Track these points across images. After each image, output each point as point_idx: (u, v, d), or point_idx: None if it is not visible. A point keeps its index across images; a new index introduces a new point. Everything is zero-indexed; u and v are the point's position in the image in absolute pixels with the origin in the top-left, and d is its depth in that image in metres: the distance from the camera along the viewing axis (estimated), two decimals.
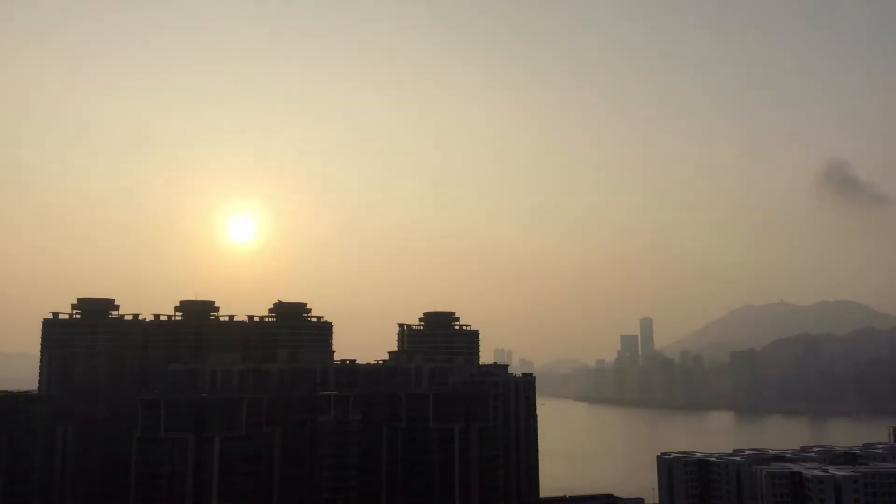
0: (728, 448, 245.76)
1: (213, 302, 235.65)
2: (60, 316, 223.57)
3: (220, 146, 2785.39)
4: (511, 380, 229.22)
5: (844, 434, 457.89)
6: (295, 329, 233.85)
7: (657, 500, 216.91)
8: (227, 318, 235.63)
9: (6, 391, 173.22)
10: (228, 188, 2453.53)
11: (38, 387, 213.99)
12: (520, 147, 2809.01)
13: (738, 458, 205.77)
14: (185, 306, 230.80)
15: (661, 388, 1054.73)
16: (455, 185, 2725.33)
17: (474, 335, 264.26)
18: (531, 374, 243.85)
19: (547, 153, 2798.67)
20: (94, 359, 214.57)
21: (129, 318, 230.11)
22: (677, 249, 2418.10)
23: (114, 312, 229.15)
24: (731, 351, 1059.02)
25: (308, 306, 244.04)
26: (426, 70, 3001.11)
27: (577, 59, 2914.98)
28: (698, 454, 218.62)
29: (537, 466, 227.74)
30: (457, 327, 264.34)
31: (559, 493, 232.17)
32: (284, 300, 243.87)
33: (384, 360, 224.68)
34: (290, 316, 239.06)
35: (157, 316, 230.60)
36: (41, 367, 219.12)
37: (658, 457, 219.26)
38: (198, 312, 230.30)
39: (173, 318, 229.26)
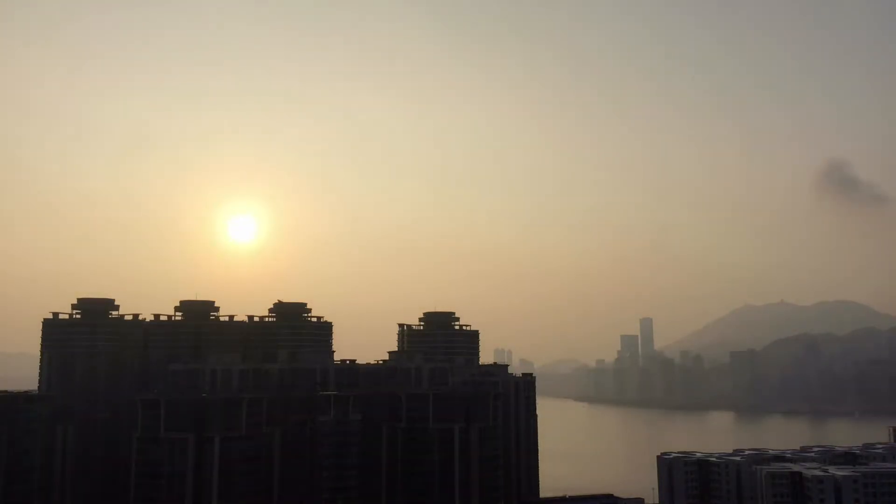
0: (728, 448, 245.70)
1: (213, 302, 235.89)
2: (60, 316, 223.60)
3: (221, 146, 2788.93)
4: (511, 380, 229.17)
5: (844, 434, 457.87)
6: (295, 329, 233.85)
7: (657, 500, 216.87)
8: (227, 318, 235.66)
9: (6, 391, 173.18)
10: (228, 188, 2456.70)
11: (38, 387, 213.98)
12: (520, 147, 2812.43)
13: (738, 458, 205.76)
14: (185, 306, 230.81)
15: (661, 388, 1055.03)
16: (455, 185, 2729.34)
17: (474, 335, 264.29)
18: (531, 374, 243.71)
19: (547, 153, 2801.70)
20: (94, 359, 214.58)
21: (129, 318, 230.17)
22: (677, 249, 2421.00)
23: (114, 312, 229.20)
24: (731, 351, 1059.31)
25: (308, 306, 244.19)
26: (426, 70, 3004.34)
27: (577, 58, 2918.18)
28: (698, 454, 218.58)
29: (537, 466, 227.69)
30: (457, 327, 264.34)
31: (559, 493, 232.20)
32: (284, 300, 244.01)
33: (384, 360, 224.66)
34: (290, 316, 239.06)
35: (157, 316, 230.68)
36: (41, 367, 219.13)
37: (658, 457, 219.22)
38: (198, 312, 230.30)
39: (173, 318, 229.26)
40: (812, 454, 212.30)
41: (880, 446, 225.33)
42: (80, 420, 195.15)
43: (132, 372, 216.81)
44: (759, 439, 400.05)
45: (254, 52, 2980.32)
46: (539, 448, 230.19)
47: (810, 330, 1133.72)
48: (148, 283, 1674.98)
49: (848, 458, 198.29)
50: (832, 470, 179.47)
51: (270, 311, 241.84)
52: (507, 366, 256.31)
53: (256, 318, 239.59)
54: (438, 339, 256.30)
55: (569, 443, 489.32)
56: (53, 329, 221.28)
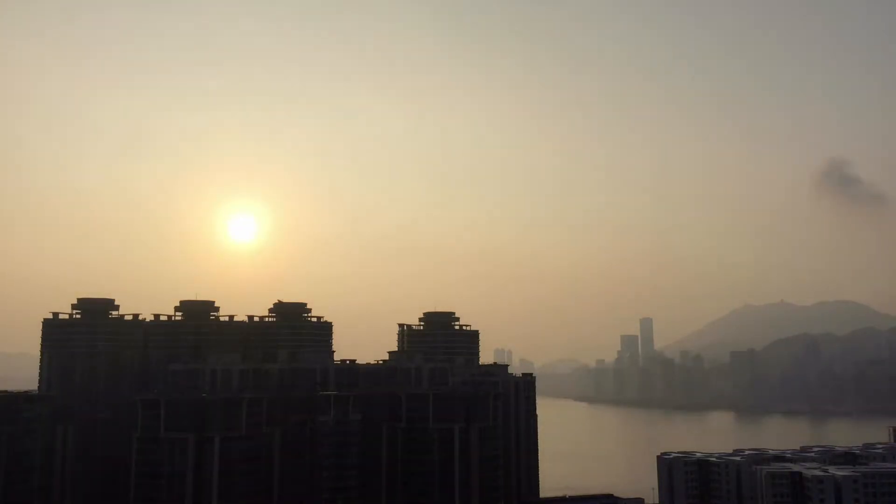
0: (728, 448, 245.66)
1: (213, 302, 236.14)
2: (60, 316, 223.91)
3: (221, 146, 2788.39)
4: (511, 380, 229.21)
5: (844, 434, 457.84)
6: (295, 329, 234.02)
7: (657, 500, 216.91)
8: (227, 318, 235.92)
9: (6, 391, 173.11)
10: (228, 188, 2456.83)
11: (38, 387, 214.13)
12: (520, 147, 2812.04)
13: (738, 458, 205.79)
14: (185, 306, 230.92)
15: (661, 388, 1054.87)
16: (455, 185, 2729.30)
17: (474, 335, 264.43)
18: (531, 374, 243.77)
19: (547, 153, 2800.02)
20: (94, 359, 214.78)
21: (129, 318, 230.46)
22: (677, 249, 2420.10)
23: (114, 312, 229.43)
24: (731, 351, 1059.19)
25: (308, 306, 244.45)
26: (426, 70, 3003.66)
27: (578, 59, 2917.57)
28: (698, 454, 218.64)
29: (537, 466, 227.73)
30: (457, 327, 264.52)
31: (559, 493, 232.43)
32: (284, 300, 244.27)
33: (384, 360, 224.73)
34: (290, 316, 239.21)
35: (157, 316, 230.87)
36: (41, 367, 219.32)
37: (658, 457, 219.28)
38: (198, 312, 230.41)
39: (173, 318, 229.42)
40: (812, 454, 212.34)
41: (880, 446, 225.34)
42: (80, 420, 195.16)
43: (132, 372, 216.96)
44: (759, 439, 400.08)
45: (254, 52, 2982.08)
46: (539, 448, 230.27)
47: (810, 330, 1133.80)
48: (148, 283, 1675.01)
49: (848, 458, 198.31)
50: (832, 470, 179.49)
51: (270, 311, 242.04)
52: (507, 366, 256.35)
53: (256, 318, 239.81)
54: (438, 339, 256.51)
55: (569, 443, 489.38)
56: (53, 329, 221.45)
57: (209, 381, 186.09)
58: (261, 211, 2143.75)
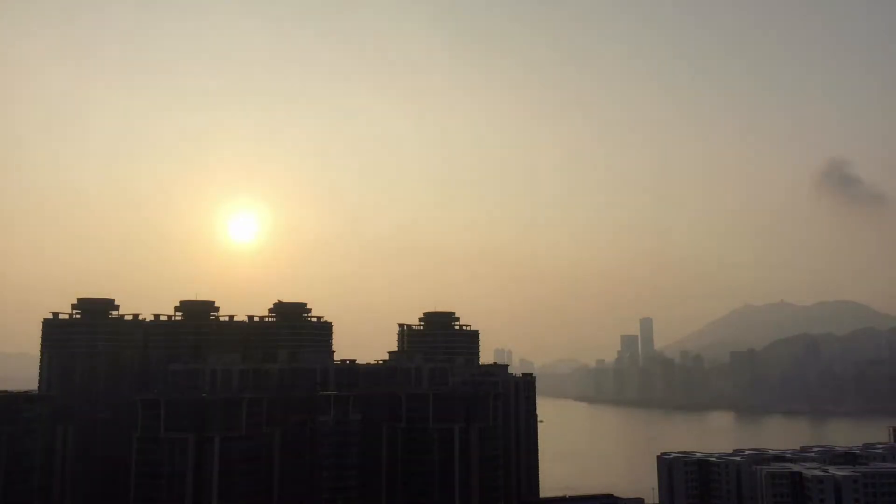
0: (728, 448, 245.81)
1: (213, 302, 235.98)
2: (60, 316, 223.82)
3: (221, 146, 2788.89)
4: (511, 380, 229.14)
5: (844, 434, 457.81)
6: (295, 329, 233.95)
7: (657, 500, 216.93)
8: (227, 318, 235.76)
9: (6, 391, 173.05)
10: (229, 188, 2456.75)
11: (38, 387, 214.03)
12: (520, 147, 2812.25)
13: (738, 458, 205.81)
14: (185, 306, 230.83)
15: (661, 388, 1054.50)
16: (455, 185, 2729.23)
17: (474, 335, 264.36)
18: (531, 374, 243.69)
19: (547, 153, 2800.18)
20: (94, 359, 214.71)
21: (129, 318, 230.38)
22: (677, 249, 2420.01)
23: (114, 312, 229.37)
24: (731, 351, 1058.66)
25: (308, 306, 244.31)
26: (427, 70, 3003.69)
27: (578, 59, 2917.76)
28: (698, 454, 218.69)
29: (537, 466, 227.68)
30: (457, 327, 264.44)
31: (559, 493, 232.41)
32: (284, 300, 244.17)
33: (384, 360, 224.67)
34: (290, 316, 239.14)
35: (157, 316, 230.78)
36: (41, 368, 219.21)
37: (658, 457, 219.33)
38: (198, 312, 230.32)
39: (173, 318, 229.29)
40: (812, 454, 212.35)
41: (880, 446, 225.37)
42: (80, 420, 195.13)
43: (132, 372, 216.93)
44: (759, 439, 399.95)
45: (254, 52, 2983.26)
46: (539, 448, 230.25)
47: (810, 330, 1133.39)
48: (148, 283, 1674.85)
49: (848, 458, 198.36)
50: (832, 470, 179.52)
51: (270, 311, 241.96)
52: (507, 366, 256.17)
53: (256, 318, 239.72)
54: (438, 339, 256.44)
55: (569, 443, 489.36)
56: (53, 329, 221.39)
57: (209, 381, 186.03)
58: (261, 211, 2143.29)
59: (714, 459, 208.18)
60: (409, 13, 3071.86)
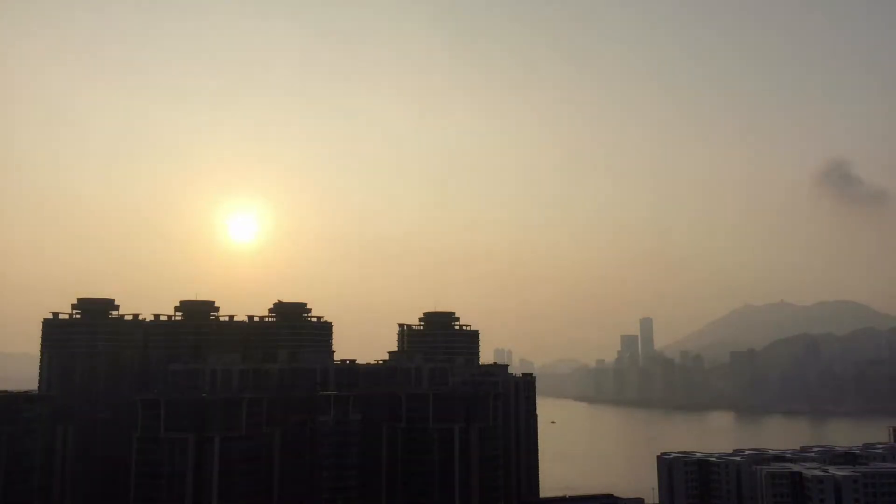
0: (728, 448, 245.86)
1: (213, 302, 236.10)
2: (60, 316, 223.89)
3: (221, 145, 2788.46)
4: (511, 380, 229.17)
5: (844, 434, 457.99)
6: (295, 329, 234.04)
7: (657, 500, 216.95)
8: (227, 318, 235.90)
9: (6, 391, 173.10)
10: (229, 188, 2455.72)
11: (38, 387, 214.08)
12: (521, 147, 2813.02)
13: (738, 458, 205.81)
14: (185, 306, 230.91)
15: (661, 388, 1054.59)
16: (455, 185, 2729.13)
17: (474, 335, 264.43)
18: (531, 374, 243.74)
19: (548, 153, 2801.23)
20: (94, 359, 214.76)
21: (129, 318, 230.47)
22: (677, 249, 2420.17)
23: (114, 312, 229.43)
24: (731, 351, 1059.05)
25: (308, 306, 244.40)
26: (428, 70, 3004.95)
27: (579, 59, 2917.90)
28: (698, 454, 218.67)
29: (537, 466, 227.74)
30: (457, 327, 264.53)
31: (559, 493, 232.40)
32: (284, 300, 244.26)
33: (384, 360, 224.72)
34: (290, 316, 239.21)
35: (157, 316, 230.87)
36: (41, 367, 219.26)
37: (658, 457, 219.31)
38: (198, 312, 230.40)
39: (173, 318, 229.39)
40: (812, 454, 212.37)
41: (880, 446, 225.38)
42: (80, 420, 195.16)
43: (132, 372, 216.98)
44: (759, 439, 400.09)
45: (254, 51, 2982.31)
46: (539, 448, 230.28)
47: (810, 330, 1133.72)
48: (148, 283, 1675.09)
49: (848, 458, 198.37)
50: (832, 470, 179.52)
51: (270, 311, 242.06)
52: (507, 366, 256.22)
53: (256, 318, 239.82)
54: (438, 339, 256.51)
55: (569, 443, 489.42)
56: (53, 329, 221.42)
57: (209, 381, 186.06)
58: (261, 211, 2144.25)
59: (714, 459, 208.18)
60: (409, 13, 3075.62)
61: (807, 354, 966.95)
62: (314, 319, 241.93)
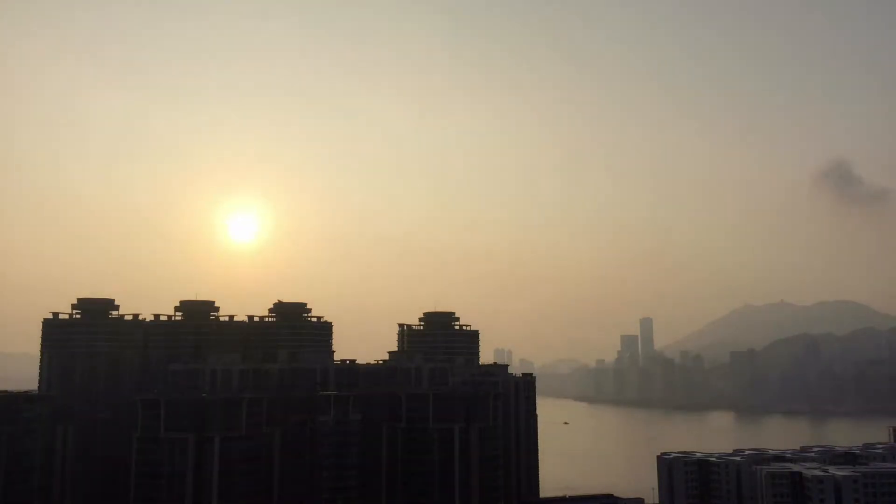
0: (728, 448, 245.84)
1: (213, 302, 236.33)
2: (60, 316, 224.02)
3: (221, 145, 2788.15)
4: (511, 380, 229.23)
5: (844, 434, 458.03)
6: (295, 329, 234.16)
7: (657, 500, 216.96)
8: (227, 318, 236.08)
9: (6, 391, 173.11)
10: (228, 187, 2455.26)
11: (38, 387, 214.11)
12: (520, 147, 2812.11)
13: (738, 458, 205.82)
14: (185, 306, 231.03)
15: (661, 388, 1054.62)
16: (455, 185, 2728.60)
17: (474, 335, 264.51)
18: (531, 374, 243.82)
19: (548, 154, 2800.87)
20: (94, 359, 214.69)
21: (129, 318, 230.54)
22: (677, 249, 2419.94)
23: (114, 312, 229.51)
24: (731, 351, 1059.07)
25: (308, 306, 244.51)
26: (428, 70, 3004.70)
27: (578, 59, 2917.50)
28: (698, 454, 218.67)
29: (537, 466, 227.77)
30: (457, 327, 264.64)
31: (559, 493, 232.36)
32: (284, 300, 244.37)
33: (384, 360, 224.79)
34: (290, 316, 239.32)
35: (157, 316, 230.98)
36: (41, 368, 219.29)
37: (658, 457, 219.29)
38: (198, 312, 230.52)
39: (173, 318, 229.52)
40: (812, 454, 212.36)
41: (880, 446, 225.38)
42: (80, 420, 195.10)
43: (132, 372, 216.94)
44: (759, 439, 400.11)
45: (254, 51, 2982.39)
46: (539, 448, 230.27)
47: (810, 330, 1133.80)
48: (148, 283, 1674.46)
49: (848, 458, 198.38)
50: (832, 470, 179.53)
51: (270, 311, 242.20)
52: (507, 366, 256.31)
53: (256, 318, 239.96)
54: (438, 339, 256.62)
55: (569, 443, 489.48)
56: (53, 329, 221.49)
57: (209, 381, 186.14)
58: (261, 210, 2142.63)
59: (714, 459, 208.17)
60: (409, 13, 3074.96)
61: (807, 354, 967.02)
62: (314, 319, 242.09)
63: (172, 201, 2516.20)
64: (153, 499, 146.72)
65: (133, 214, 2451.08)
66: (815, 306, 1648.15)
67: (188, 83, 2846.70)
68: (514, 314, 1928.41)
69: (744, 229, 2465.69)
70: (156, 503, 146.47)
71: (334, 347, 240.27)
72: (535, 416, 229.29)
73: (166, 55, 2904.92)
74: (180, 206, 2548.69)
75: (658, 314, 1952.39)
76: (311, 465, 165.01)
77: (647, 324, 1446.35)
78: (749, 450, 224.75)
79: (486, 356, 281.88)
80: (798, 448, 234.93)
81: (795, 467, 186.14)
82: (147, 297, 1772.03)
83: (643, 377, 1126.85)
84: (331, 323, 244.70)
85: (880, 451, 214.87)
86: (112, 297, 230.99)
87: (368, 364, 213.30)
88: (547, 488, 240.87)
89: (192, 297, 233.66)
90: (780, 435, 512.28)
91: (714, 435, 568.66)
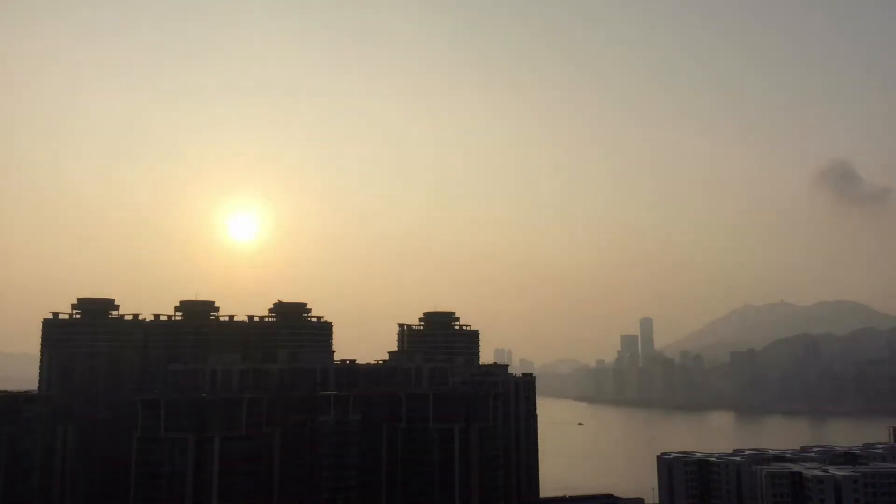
0: (728, 448, 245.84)
1: (213, 302, 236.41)
2: (60, 316, 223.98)
3: (221, 145, 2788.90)
4: (511, 380, 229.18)
5: (844, 434, 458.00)
6: (295, 329, 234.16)
7: (657, 500, 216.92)
8: (227, 318, 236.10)
9: (6, 391, 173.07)
10: (228, 187, 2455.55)
11: (38, 387, 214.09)
12: (520, 147, 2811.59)
13: (738, 458, 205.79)
14: (185, 306, 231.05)
15: (661, 388, 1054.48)
16: (455, 185, 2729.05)
17: (474, 335, 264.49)
18: (531, 374, 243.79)
19: (548, 154, 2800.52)
20: (94, 359, 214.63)
21: (129, 318, 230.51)
22: (677, 249, 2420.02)
23: (114, 312, 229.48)
24: (731, 351, 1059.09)
25: (308, 306, 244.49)
26: (427, 69, 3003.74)
27: (580, 59, 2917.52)
28: (698, 454, 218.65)
29: (537, 466, 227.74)
30: (457, 327, 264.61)
31: (559, 493, 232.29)
32: (284, 300, 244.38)
33: (384, 360, 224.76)
34: (290, 316, 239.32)
35: (157, 316, 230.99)
36: (41, 368, 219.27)
37: (658, 457, 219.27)
38: (198, 312, 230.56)
39: (173, 318, 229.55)
40: (812, 454, 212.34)
41: (880, 446, 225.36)
42: (80, 420, 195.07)
43: (132, 372, 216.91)
44: (759, 439, 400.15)
45: (254, 50, 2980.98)
46: (539, 448, 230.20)
47: (810, 330, 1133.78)
48: (148, 283, 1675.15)
49: (848, 458, 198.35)
50: (832, 470, 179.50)
51: (270, 311, 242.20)
52: (507, 366, 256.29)
53: (256, 318, 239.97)
54: (438, 339, 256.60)
55: (569, 443, 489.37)
56: (53, 329, 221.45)
57: (209, 381, 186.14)
58: (261, 210, 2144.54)
59: (714, 459, 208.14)
60: (409, 13, 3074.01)
61: (807, 354, 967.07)
62: (314, 319, 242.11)
63: (172, 201, 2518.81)
64: (153, 499, 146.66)
65: (133, 214, 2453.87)
66: (815, 306, 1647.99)
67: (188, 83, 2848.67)
68: (514, 314, 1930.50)
69: (744, 229, 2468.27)
70: (156, 503, 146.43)
71: (334, 347, 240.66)
72: (535, 416, 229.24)
73: (166, 55, 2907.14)
74: (180, 206, 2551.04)
75: (658, 314, 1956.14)
76: (311, 465, 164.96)
77: (647, 324, 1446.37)
78: (749, 450, 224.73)
79: (486, 356, 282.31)
80: (798, 448, 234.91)
81: (795, 467, 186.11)
82: (147, 297, 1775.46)
83: (643, 377, 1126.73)
84: (331, 323, 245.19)
85: (880, 451, 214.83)
86: (112, 297, 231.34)
87: (368, 364, 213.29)
88: (547, 488, 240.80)
89: (192, 297, 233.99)
90: (780, 435, 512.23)
91: (714, 435, 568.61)
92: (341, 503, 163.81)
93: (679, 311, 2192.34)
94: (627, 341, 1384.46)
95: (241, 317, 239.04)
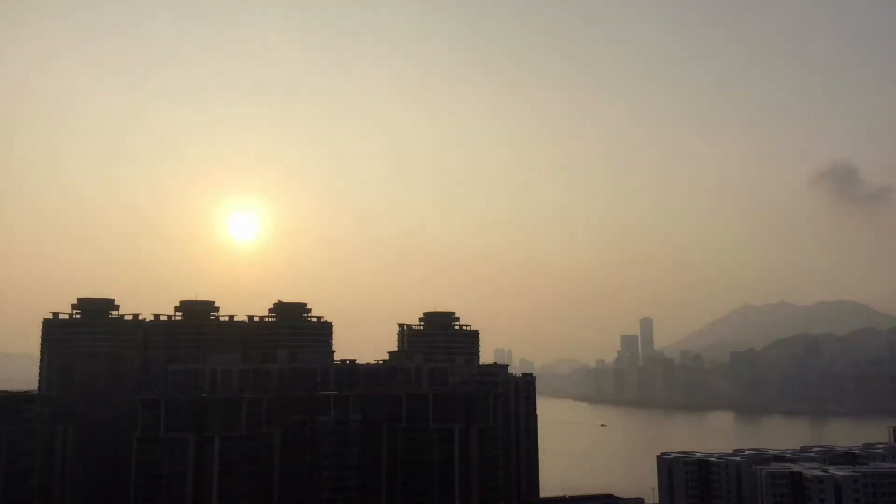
0: (728, 448, 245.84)
1: (213, 302, 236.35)
2: (60, 316, 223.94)
3: (221, 145, 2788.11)
4: (511, 380, 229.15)
5: (844, 434, 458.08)
6: (295, 329, 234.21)
7: (657, 500, 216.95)
8: (227, 318, 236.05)
9: (6, 391, 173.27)
10: (228, 187, 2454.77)
11: (38, 387, 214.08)
12: (521, 147, 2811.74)
13: (738, 458, 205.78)
14: (185, 306, 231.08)
15: (661, 388, 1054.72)
16: (456, 185, 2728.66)
17: (474, 335, 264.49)
18: (531, 374, 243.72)
19: (548, 153, 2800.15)
20: (94, 359, 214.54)
21: (129, 318, 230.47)
22: (677, 249, 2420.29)
23: (114, 312, 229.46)
24: (731, 351, 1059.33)
25: (308, 306, 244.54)
26: (428, 70, 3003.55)
27: (580, 59, 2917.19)
28: (698, 454, 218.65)
29: (537, 466, 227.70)
30: (457, 327, 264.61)
31: (559, 493, 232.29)
32: (284, 300, 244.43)
33: (384, 360, 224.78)
34: (290, 316, 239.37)
35: (157, 316, 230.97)
36: (41, 368, 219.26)
37: (658, 457, 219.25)
38: (198, 312, 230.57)
39: (173, 318, 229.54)
40: (812, 454, 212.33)
41: (880, 446, 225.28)
42: (80, 420, 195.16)
43: (132, 372, 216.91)
44: (759, 439, 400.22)
45: (254, 49, 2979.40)
46: (539, 448, 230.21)
47: (810, 330, 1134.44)
48: (148, 283, 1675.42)
49: (848, 458, 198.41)
50: (832, 470, 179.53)
51: (270, 311, 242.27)
52: (507, 366, 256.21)
53: (256, 318, 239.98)
54: (438, 339, 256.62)
55: (569, 443, 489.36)
56: (53, 329, 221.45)
57: (209, 381, 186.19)
58: (261, 210, 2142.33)
59: (714, 459, 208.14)
60: (409, 12, 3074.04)
61: (807, 354, 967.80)
62: (314, 319, 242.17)
63: (172, 201, 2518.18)
64: (153, 499, 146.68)
65: (133, 214, 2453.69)
66: (815, 306, 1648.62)
67: (188, 83, 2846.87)
68: (514, 314, 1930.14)
69: (744, 229, 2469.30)
70: (156, 503, 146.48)
71: (334, 347, 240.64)
72: (535, 416, 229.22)
73: (166, 55, 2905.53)
74: (180, 206, 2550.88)
75: (658, 314, 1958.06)
76: (311, 465, 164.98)
77: (647, 324, 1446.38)
78: (749, 450, 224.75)
79: (486, 356, 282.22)
80: (798, 448, 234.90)
81: (795, 467, 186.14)
82: (147, 297, 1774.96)
83: (643, 377, 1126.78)
84: (331, 323, 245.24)
85: (880, 451, 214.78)
86: (112, 297, 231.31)
87: (368, 364, 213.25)
88: (547, 488, 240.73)
89: (192, 297, 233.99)
90: (780, 435, 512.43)
91: (714, 435, 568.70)
92: (341, 503, 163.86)
93: (679, 311, 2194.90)
94: (627, 341, 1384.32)
95: (241, 317, 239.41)
